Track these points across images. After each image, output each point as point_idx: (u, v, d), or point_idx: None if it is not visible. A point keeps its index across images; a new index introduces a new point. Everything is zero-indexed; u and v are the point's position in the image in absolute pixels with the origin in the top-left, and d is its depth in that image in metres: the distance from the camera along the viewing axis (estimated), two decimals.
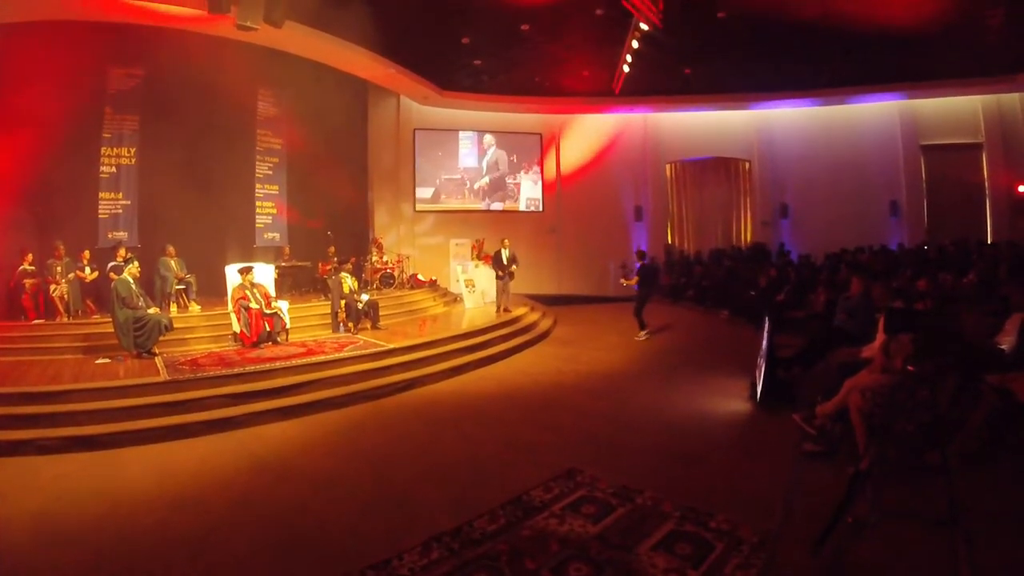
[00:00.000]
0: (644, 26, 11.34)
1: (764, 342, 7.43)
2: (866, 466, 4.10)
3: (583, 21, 12.93)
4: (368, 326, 11.06)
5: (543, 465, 5.24)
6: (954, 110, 18.27)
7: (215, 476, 5.29)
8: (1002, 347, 5.94)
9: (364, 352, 8.95)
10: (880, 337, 5.72)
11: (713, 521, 4.09)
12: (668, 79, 17.45)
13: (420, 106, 18.74)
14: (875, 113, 19.05)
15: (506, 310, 13.12)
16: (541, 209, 20.25)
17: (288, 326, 10.12)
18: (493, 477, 5.07)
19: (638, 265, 11.61)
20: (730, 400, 7.42)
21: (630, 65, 13.51)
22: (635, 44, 12.26)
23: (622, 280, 11.79)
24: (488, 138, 19.80)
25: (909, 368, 4.39)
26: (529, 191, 20.26)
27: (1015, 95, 17.51)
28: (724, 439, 6.02)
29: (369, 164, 18.06)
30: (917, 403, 4.83)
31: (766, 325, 7.54)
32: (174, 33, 12.08)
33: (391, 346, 9.31)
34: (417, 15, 12.47)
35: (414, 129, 18.85)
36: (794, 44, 14.70)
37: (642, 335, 11.81)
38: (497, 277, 13.63)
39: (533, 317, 13.43)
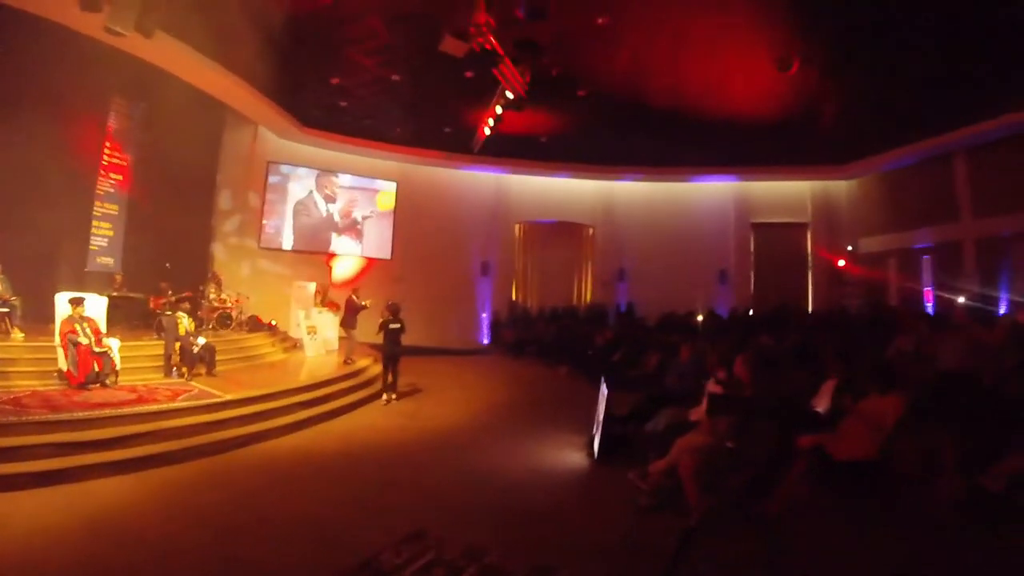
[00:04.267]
0: (509, 94, 11.92)
1: (601, 400, 7.87)
2: (696, 521, 4.56)
3: (453, 81, 13.34)
4: (203, 372, 10.36)
5: (390, 526, 5.24)
6: (784, 192, 20.77)
7: (47, 537, 4.86)
8: (818, 409, 6.74)
9: (200, 403, 8.40)
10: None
11: None
12: (524, 143, 18.27)
13: (277, 140, 18.29)
14: (711, 191, 21.24)
15: (350, 361, 12.79)
16: (390, 257, 20.26)
17: (118, 368, 9.31)
18: (342, 540, 5.05)
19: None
20: (570, 455, 7.83)
21: (491, 128, 14.11)
22: (499, 110, 12.86)
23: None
24: (343, 180, 19.67)
25: (729, 444, 4.94)
26: (380, 238, 20.22)
27: (841, 182, 20.26)
28: (565, 495, 6.37)
29: (217, 193, 17.18)
30: (738, 463, 5.43)
31: (603, 384, 8.00)
32: (35, 20, 10.76)
33: (228, 397, 8.79)
34: (292, 48, 12.19)
35: (268, 162, 18.31)
36: (644, 124, 16.05)
37: (385, 398, 11.17)
38: (344, 326, 13.34)
39: (377, 369, 12.90)
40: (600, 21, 10.95)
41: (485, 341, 20.81)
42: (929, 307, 16.48)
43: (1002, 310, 13.93)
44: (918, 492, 5.04)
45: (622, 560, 4.68)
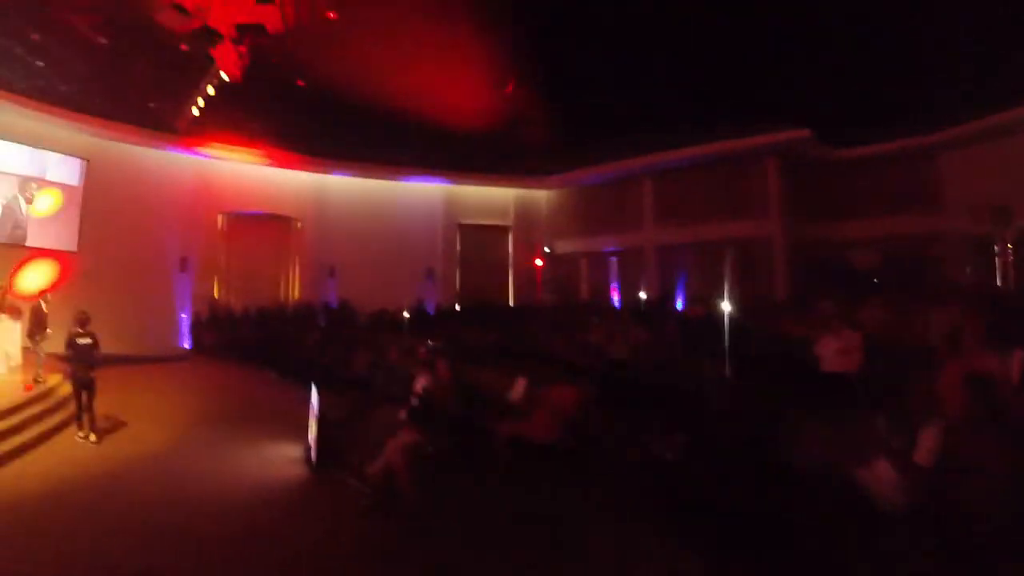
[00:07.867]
0: (224, 76, 11.26)
1: (313, 406, 7.82)
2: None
3: (166, 51, 11.92)
4: None
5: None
6: (490, 197, 22.76)
7: None
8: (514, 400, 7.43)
9: None
10: None
11: None
12: (233, 128, 17.14)
13: None
14: (422, 192, 22.06)
15: (40, 380, 10.23)
16: (75, 249, 16.69)
17: None
18: None
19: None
20: (287, 467, 7.67)
21: (200, 108, 13.10)
22: (210, 90, 12.05)
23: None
24: (18, 156, 15.54)
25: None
26: (64, 226, 16.63)
27: (541, 191, 22.95)
28: (288, 509, 6.34)
29: None
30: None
31: (313, 389, 7.97)
32: None
33: None
34: None
35: None
36: (360, 122, 16.21)
37: (81, 433, 8.73)
38: (30, 337, 10.81)
39: (70, 387, 9.79)
40: (330, 15, 10.87)
41: (185, 345, 18.62)
42: (615, 301, 19.64)
43: (678, 305, 17.11)
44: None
45: (347, 562, 4.88)
